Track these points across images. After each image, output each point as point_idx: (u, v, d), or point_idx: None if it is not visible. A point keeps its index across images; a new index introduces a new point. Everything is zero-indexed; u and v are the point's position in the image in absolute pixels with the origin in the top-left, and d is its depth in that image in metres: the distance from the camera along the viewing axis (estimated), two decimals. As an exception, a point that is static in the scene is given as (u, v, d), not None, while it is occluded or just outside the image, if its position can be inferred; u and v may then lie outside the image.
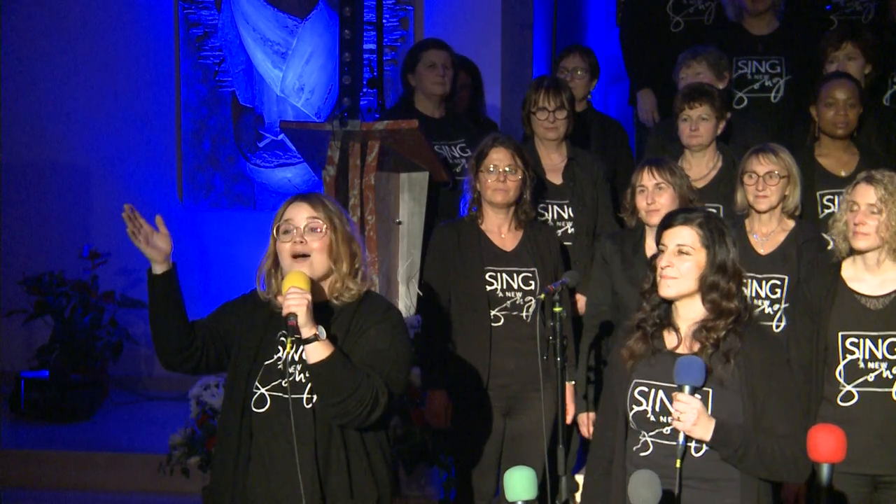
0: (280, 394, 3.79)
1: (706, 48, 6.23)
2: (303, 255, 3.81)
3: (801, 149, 5.74)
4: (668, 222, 3.83)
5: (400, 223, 6.42)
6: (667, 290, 3.77)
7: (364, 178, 6.23)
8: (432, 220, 6.28)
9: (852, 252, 4.53)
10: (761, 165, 5.09)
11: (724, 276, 3.75)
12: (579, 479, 5.65)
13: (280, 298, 3.76)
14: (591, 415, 5.20)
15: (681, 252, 3.77)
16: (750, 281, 4.96)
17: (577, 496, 5.60)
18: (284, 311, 3.66)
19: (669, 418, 3.70)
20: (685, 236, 3.77)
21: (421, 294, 5.52)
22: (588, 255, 5.62)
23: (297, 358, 3.77)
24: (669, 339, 3.82)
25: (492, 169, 5.18)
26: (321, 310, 3.76)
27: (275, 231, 3.87)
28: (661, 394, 3.74)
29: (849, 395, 4.46)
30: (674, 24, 7.26)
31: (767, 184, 5.08)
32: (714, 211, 5.16)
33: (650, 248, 5.11)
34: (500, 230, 5.26)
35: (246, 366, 3.85)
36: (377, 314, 3.84)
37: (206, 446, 5.91)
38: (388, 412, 3.79)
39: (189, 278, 8.36)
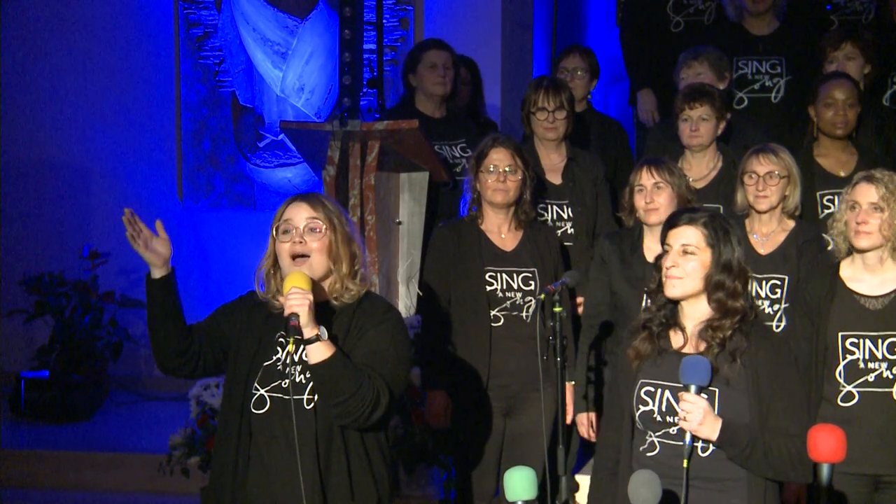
0: (280, 395, 3.78)
1: (707, 48, 6.22)
2: (302, 255, 3.80)
3: (799, 149, 5.74)
4: (672, 222, 3.83)
5: (400, 223, 6.42)
6: (672, 290, 3.77)
7: (364, 178, 6.23)
8: (432, 220, 6.28)
9: (851, 252, 4.53)
10: (761, 165, 5.09)
11: (730, 275, 3.75)
12: (579, 479, 5.66)
13: (281, 299, 3.75)
14: (591, 415, 5.21)
15: (686, 252, 3.77)
16: (750, 281, 4.95)
17: (578, 496, 5.60)
18: (286, 312, 3.65)
19: (676, 418, 3.69)
20: (690, 236, 3.77)
21: (421, 294, 5.52)
22: (588, 255, 5.62)
23: (296, 359, 3.76)
24: (675, 339, 3.82)
25: (492, 169, 5.18)
26: (321, 310, 3.75)
27: (274, 231, 3.86)
28: (667, 394, 3.74)
29: (849, 396, 4.45)
30: (674, 24, 7.27)
31: (768, 184, 5.08)
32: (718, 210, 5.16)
33: (648, 247, 5.11)
34: (500, 230, 5.26)
35: (244, 367, 3.84)
36: (377, 315, 3.83)
37: (206, 446, 5.91)
38: (389, 413, 3.79)
39: (189, 278, 8.40)
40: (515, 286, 5.19)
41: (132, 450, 7.16)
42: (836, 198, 5.48)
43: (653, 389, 3.77)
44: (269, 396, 3.79)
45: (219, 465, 3.87)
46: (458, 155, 6.47)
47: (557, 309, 4.46)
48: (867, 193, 4.46)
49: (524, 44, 8.69)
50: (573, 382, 5.18)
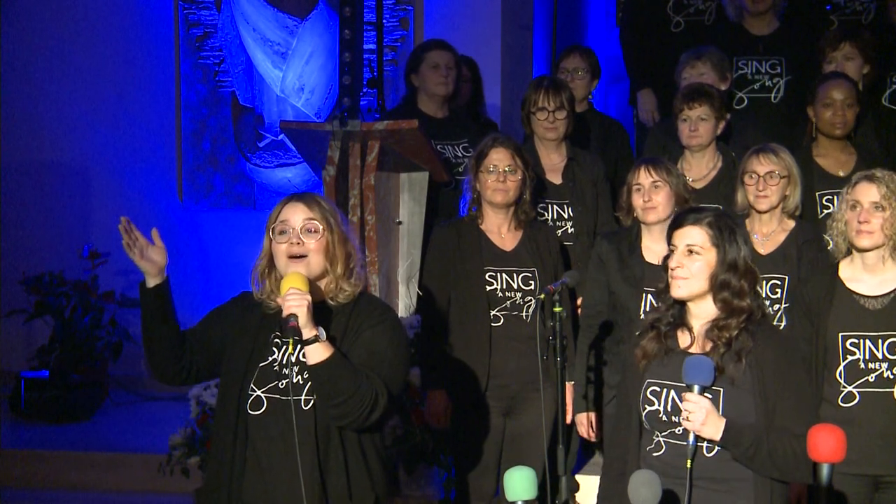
0: (277, 395, 3.76)
1: (709, 49, 6.22)
2: (299, 255, 3.80)
3: (799, 149, 5.74)
4: (678, 222, 3.83)
5: (400, 223, 6.42)
6: (677, 290, 3.77)
7: (364, 178, 6.22)
8: (432, 220, 6.28)
9: (851, 252, 4.53)
10: (762, 165, 5.09)
11: (736, 275, 3.74)
12: (579, 479, 5.66)
13: (279, 300, 3.74)
14: (591, 415, 5.21)
15: (691, 252, 3.76)
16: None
17: (578, 496, 5.60)
18: (285, 313, 3.64)
19: (680, 418, 3.69)
20: (695, 236, 3.77)
21: (421, 294, 5.51)
22: (588, 255, 5.62)
23: (293, 359, 3.74)
24: (683, 339, 3.82)
25: (492, 169, 5.18)
26: (317, 311, 3.74)
27: (270, 232, 3.85)
28: (672, 393, 3.74)
29: (850, 396, 4.45)
30: (674, 24, 7.26)
31: (768, 184, 5.07)
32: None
33: (646, 247, 5.11)
34: (500, 230, 5.26)
35: (240, 368, 3.81)
36: (374, 316, 3.82)
37: (206, 446, 5.90)
38: (387, 413, 3.78)
39: (189, 278, 8.41)
40: (515, 286, 5.19)
41: (132, 450, 7.16)
42: (835, 198, 5.47)
43: (659, 389, 3.77)
44: (266, 397, 3.77)
45: (214, 466, 3.85)
46: (460, 154, 6.47)
47: (557, 309, 4.46)
48: (868, 193, 4.46)
49: (524, 44, 8.69)
50: (573, 382, 5.18)
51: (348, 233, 3.88)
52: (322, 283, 3.83)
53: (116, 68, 8.75)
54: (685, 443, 3.68)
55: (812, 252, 5.04)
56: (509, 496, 3.42)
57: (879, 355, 4.43)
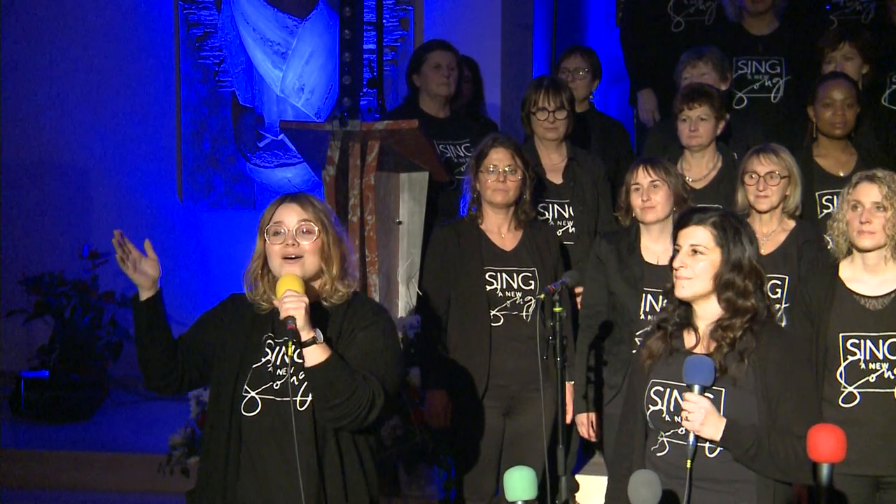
0: (272, 397, 3.75)
1: (710, 49, 6.22)
2: (294, 256, 3.78)
3: (799, 149, 5.74)
4: (682, 222, 3.82)
5: (400, 223, 6.42)
6: (681, 290, 3.77)
7: (364, 178, 6.22)
8: (432, 220, 6.28)
9: (851, 252, 4.53)
10: (762, 165, 5.09)
11: (740, 275, 3.73)
12: (579, 479, 5.66)
13: (275, 301, 3.73)
14: (591, 415, 5.20)
15: (695, 252, 3.76)
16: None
17: (578, 496, 5.60)
18: (282, 315, 3.63)
19: (680, 418, 3.69)
20: (699, 236, 3.77)
21: (421, 294, 5.51)
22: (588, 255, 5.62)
23: (288, 360, 3.72)
24: (688, 339, 3.81)
25: (491, 169, 5.19)
26: (313, 312, 3.71)
27: (264, 233, 3.83)
28: (675, 393, 3.73)
29: (850, 397, 4.45)
30: (674, 24, 7.26)
31: (768, 184, 5.07)
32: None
33: (645, 247, 5.11)
34: (500, 230, 5.26)
35: (232, 369, 3.79)
36: (367, 317, 3.81)
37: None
38: (383, 414, 3.77)
39: (189, 278, 8.41)
40: (515, 286, 5.19)
41: (132, 450, 7.15)
42: (835, 198, 5.47)
43: (662, 389, 3.77)
44: (260, 399, 3.76)
45: (208, 468, 3.83)
46: (462, 154, 6.47)
47: (557, 309, 4.46)
48: (870, 193, 4.46)
49: (524, 44, 8.69)
50: (573, 382, 5.18)
51: (342, 233, 3.87)
52: (316, 284, 3.82)
53: (116, 68, 8.75)
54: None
55: (812, 252, 5.04)
56: (509, 496, 3.41)
57: (880, 356, 4.43)
